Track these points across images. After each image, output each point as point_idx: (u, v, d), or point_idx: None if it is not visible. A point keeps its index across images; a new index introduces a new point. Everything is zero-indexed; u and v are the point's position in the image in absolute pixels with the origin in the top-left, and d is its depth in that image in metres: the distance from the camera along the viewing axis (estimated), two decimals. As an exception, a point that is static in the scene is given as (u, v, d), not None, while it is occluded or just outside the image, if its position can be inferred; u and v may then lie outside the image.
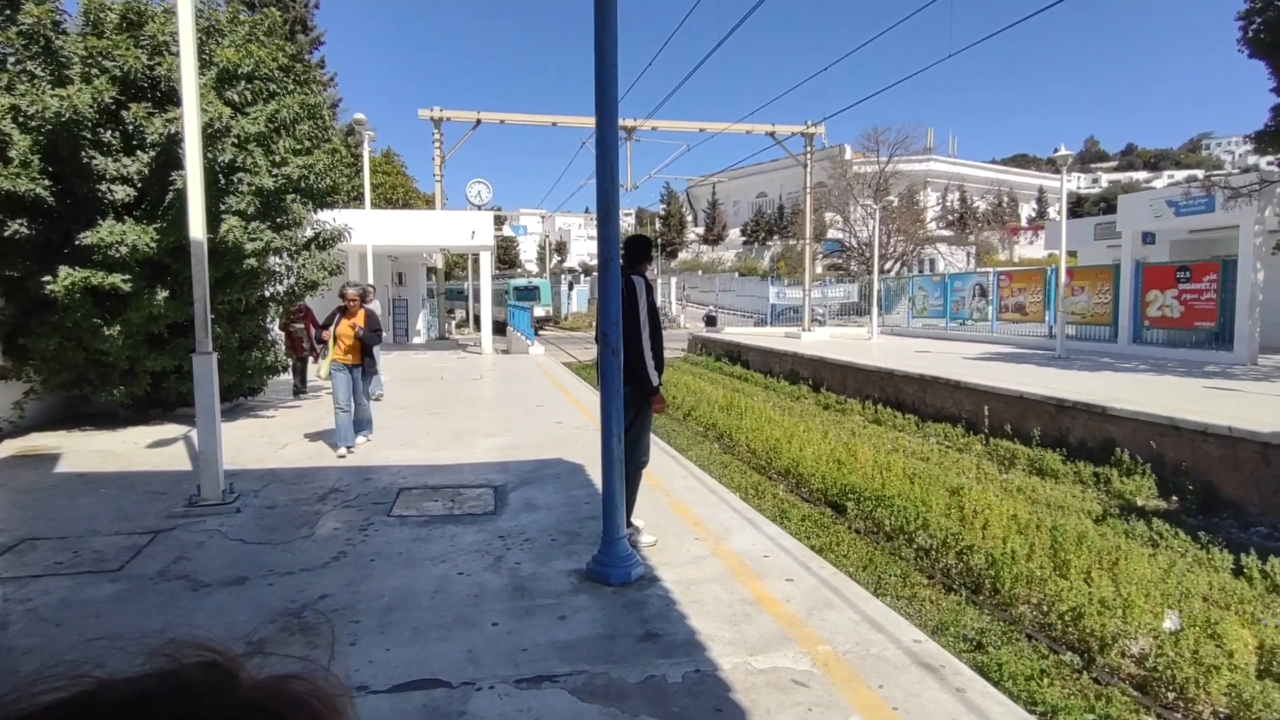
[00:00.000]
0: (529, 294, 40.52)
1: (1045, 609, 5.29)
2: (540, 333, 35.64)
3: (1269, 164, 13.81)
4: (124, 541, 4.89)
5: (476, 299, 30.86)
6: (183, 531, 5.11)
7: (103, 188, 7.61)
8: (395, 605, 3.89)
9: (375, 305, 11.22)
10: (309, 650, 3.39)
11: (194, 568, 4.44)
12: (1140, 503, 8.11)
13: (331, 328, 7.50)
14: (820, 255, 40.28)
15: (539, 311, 39.49)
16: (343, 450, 7.41)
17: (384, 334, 8.14)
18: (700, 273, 54.98)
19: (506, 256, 65.13)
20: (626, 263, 4.74)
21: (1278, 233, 14.28)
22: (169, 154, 7.58)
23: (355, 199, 18.27)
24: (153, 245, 7.66)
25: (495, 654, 3.35)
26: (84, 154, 7.51)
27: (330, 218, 10.26)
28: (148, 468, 7.03)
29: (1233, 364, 13.64)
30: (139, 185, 7.81)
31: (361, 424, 7.90)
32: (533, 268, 64.45)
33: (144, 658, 0.47)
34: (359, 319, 7.46)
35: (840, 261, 41.58)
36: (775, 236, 56.25)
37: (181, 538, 4.99)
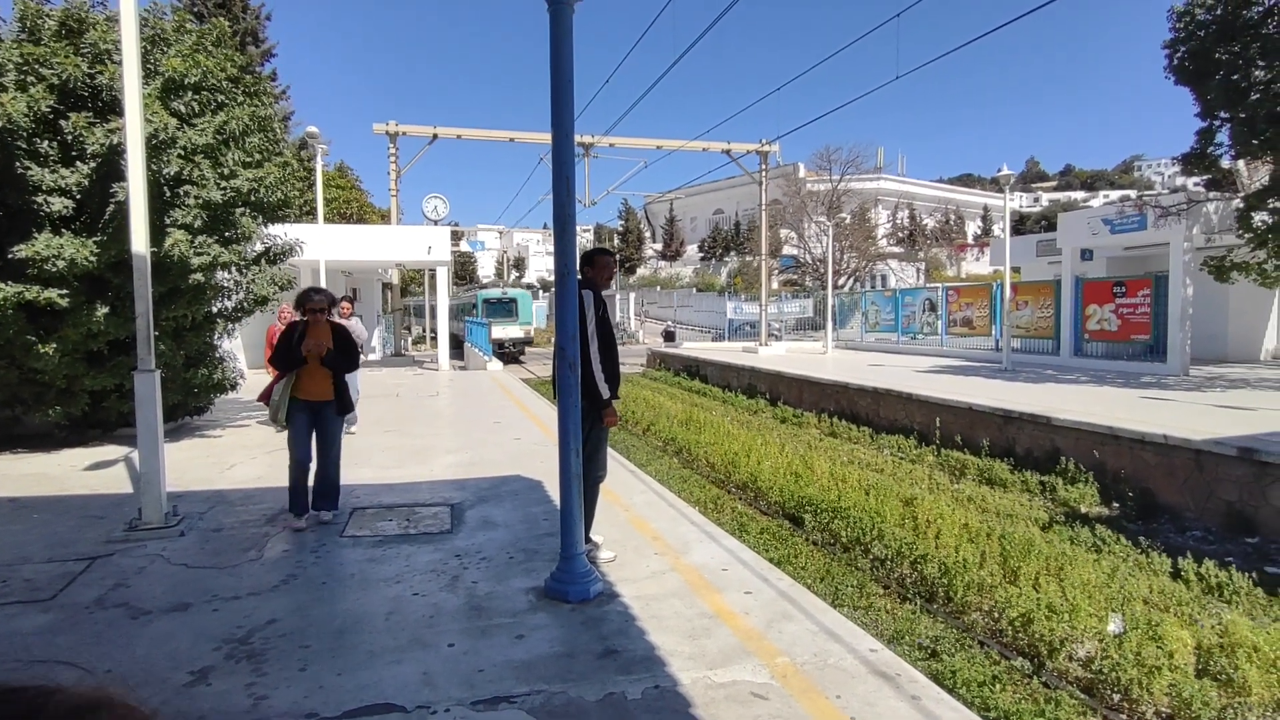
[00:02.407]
0: (503, 308, 31.69)
1: (996, 615, 5.42)
2: (520, 360, 29.67)
3: (1195, 185, 14.55)
4: (58, 569, 4.67)
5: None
6: (122, 557, 4.90)
7: (39, 199, 7.31)
8: (347, 628, 3.79)
9: (356, 322, 9.22)
10: (256, 678, 3.27)
11: (133, 594, 4.26)
12: (1084, 510, 8.38)
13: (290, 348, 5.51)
14: (776, 271, 40.91)
15: (514, 331, 30.98)
16: (300, 524, 5.47)
17: (361, 355, 6.67)
18: (658, 288, 55.31)
19: (464, 272, 64.52)
20: (584, 276, 4.75)
21: (1205, 250, 15.03)
22: (110, 165, 7.34)
23: (308, 213, 17.91)
24: (92, 259, 7.38)
25: (451, 676, 3.28)
26: (19, 164, 7.22)
27: (281, 232, 10.04)
28: (85, 491, 6.73)
29: (1166, 375, 14.25)
30: (78, 197, 7.53)
31: (325, 489, 5.65)
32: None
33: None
34: (325, 336, 5.54)
35: (795, 277, 42.28)
36: (732, 253, 56.97)
37: (120, 563, 4.78)
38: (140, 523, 5.35)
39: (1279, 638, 4.70)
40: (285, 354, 5.51)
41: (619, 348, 4.97)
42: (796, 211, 39.87)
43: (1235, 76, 11.16)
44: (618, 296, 46.57)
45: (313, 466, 5.64)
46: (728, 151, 24.63)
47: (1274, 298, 16.87)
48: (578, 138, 19.66)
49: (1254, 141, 11.23)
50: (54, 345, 7.63)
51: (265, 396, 5.55)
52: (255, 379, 12.38)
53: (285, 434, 5.64)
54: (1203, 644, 4.80)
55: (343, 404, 5.70)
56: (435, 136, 22.79)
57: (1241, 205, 12.25)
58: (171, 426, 9.50)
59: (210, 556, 4.91)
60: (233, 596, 4.22)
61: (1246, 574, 6.05)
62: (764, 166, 25.23)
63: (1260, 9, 11.13)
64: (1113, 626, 5.13)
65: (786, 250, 42.94)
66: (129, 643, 3.64)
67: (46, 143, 7.36)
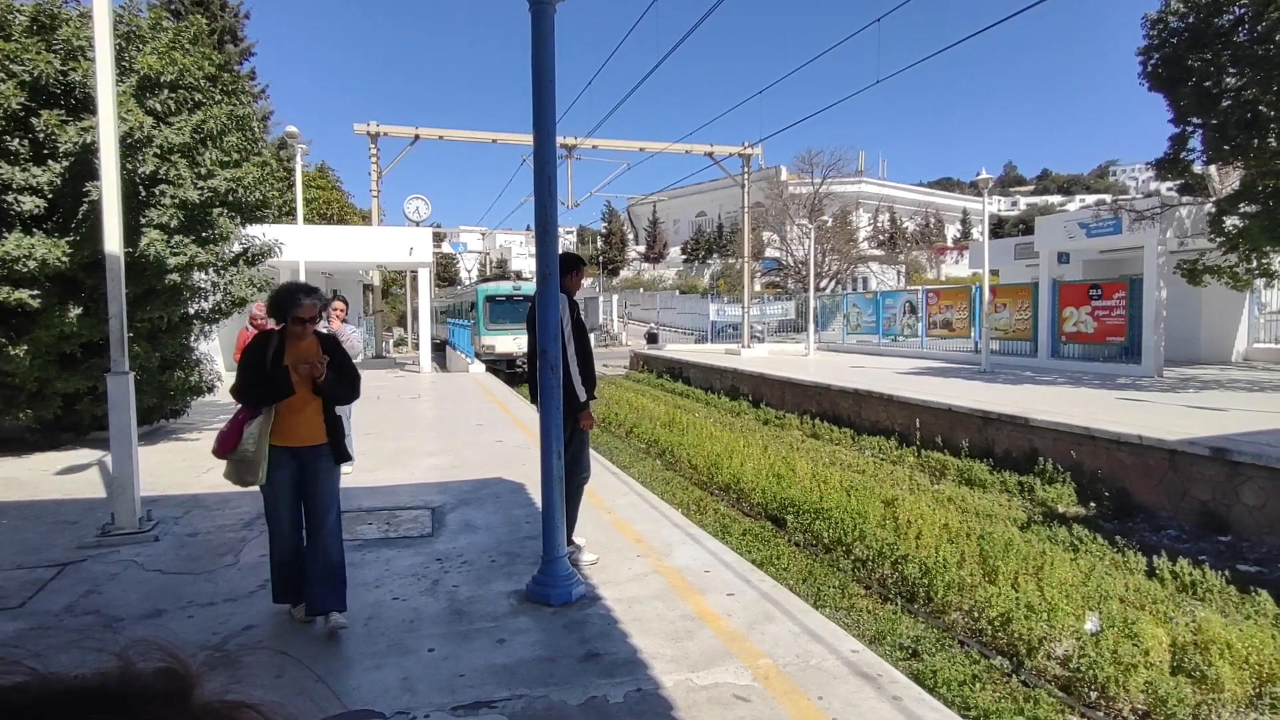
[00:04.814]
0: (514, 310, 22.63)
1: (976, 615, 5.46)
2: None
3: (1168, 189, 14.82)
4: (27, 576, 4.57)
5: (469, 316, 25.28)
6: (94, 563, 4.81)
7: (9, 198, 7.17)
8: (326, 634, 3.74)
9: (349, 330, 6.99)
10: (232, 685, 3.21)
11: (105, 601, 4.18)
12: (1061, 509, 8.48)
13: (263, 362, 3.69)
14: (758, 274, 41.09)
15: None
16: (302, 613, 3.88)
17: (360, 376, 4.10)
18: (641, 290, 55.28)
19: (446, 274, 64.16)
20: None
21: (1178, 253, 15.28)
22: (84, 164, 7.20)
23: (287, 214, 17.71)
24: (65, 260, 7.24)
25: (431, 681, 3.25)
26: (-12, 162, 7.07)
27: (260, 232, 9.91)
28: (57, 496, 6.59)
29: (1141, 376, 14.47)
30: (50, 196, 7.38)
31: (328, 575, 3.75)
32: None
33: (102, 655, 0.45)
34: (314, 352, 3.77)
35: (778, 280, 42.50)
36: (715, 255, 57.10)
37: (93, 570, 4.69)
38: (113, 528, 5.26)
39: (1251, 635, 4.78)
40: (258, 380, 3.65)
41: (601, 349, 4.97)
42: (779, 214, 40.07)
43: (1207, 83, 11.36)
44: (600, 299, 46.53)
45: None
46: (710, 154, 24.69)
47: (1245, 300, 17.18)
48: (560, 139, 19.59)
49: (1225, 147, 11.43)
50: (25, 347, 7.48)
51: (228, 445, 3.65)
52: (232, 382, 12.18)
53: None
54: (1177, 641, 4.87)
55: (339, 448, 3.90)
56: (417, 137, 22.64)
57: (1214, 209, 12.47)
58: (147, 430, 9.35)
59: (186, 562, 4.83)
60: (208, 603, 4.15)
61: (1219, 572, 6.15)
62: (746, 169, 25.33)
63: (1231, 17, 11.34)
64: (1090, 625, 5.19)
65: (769, 253, 43.18)
66: (100, 651, 3.56)
67: (17, 140, 7.22)
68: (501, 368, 20.95)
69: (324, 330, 4.37)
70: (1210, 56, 11.34)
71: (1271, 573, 6.60)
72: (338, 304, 7.13)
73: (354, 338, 6.95)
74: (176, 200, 7.78)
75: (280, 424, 3.72)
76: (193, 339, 9.57)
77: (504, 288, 24.96)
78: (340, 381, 3.84)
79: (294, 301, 3.70)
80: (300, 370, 3.68)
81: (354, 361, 4.10)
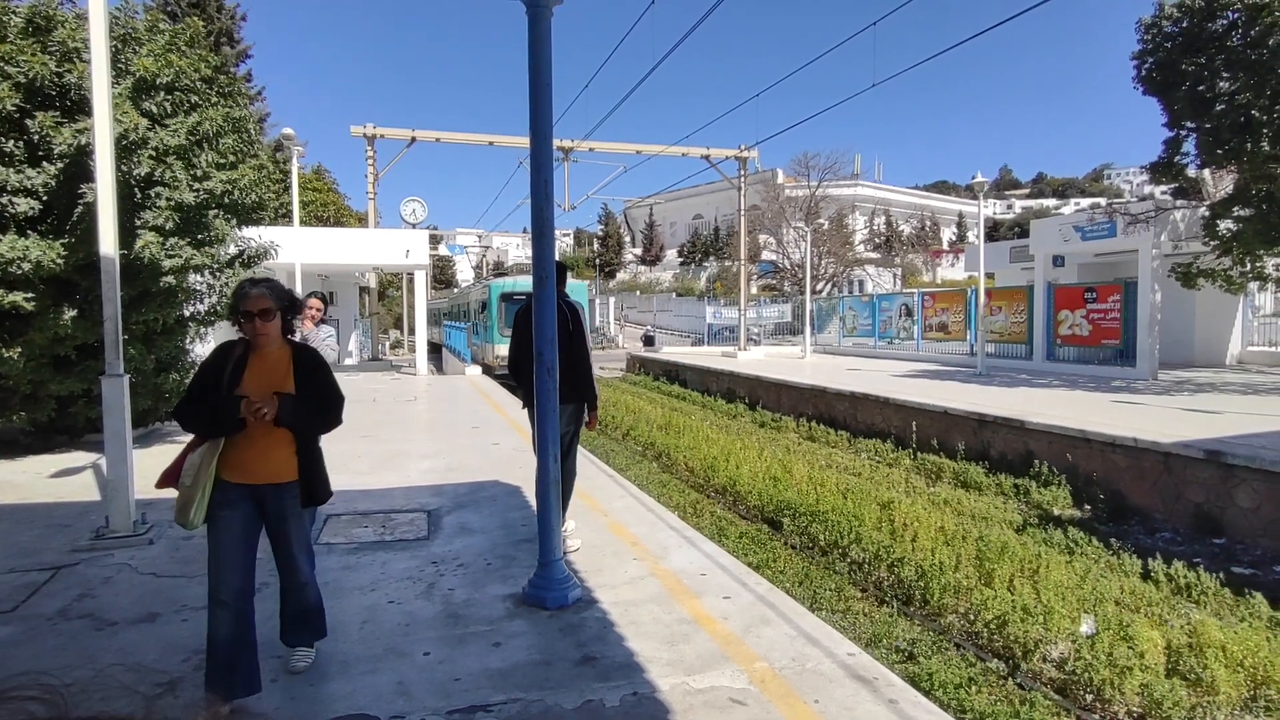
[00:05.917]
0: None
1: (972, 618, 5.46)
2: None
3: (1163, 193, 14.88)
4: (19, 579, 4.54)
5: (467, 318, 24.52)
6: (87, 566, 4.78)
7: (3, 200, 7.14)
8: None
9: (322, 334, 6.08)
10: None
11: (99, 605, 4.16)
12: (1057, 512, 8.50)
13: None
14: (755, 276, 41.12)
15: None
16: (223, 709, 3.00)
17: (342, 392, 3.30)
18: (638, 293, 55.37)
19: (443, 276, 64.12)
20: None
21: (1172, 256, 15.34)
22: (79, 166, 7.19)
23: (284, 216, 17.68)
24: (59, 262, 7.22)
25: (426, 685, 3.24)
26: (-18, 164, 7.05)
27: (256, 235, 9.90)
28: (50, 499, 6.57)
29: (1136, 379, 14.52)
30: (45, 198, 7.36)
31: (304, 615, 3.38)
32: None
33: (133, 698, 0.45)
34: (279, 373, 3.09)
35: (774, 282, 42.58)
36: (711, 257, 57.22)
37: (86, 573, 4.67)
38: (107, 531, 5.23)
39: (1246, 637, 4.79)
40: (195, 405, 3.00)
41: (598, 351, 5.05)
42: (775, 217, 40.16)
43: (1201, 87, 11.42)
44: (597, 301, 46.55)
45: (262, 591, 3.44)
46: (707, 157, 24.76)
47: (1238, 303, 17.27)
48: (557, 142, 19.58)
49: (1219, 151, 11.49)
50: (19, 349, 7.44)
51: (172, 476, 3.05)
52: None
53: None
54: (1172, 644, 4.87)
55: (313, 487, 3.20)
56: (414, 139, 22.66)
57: (1208, 213, 12.53)
58: (141, 432, 9.31)
59: (180, 565, 4.81)
60: (202, 606, 4.11)
61: (1214, 575, 6.17)
62: (743, 172, 25.39)
63: (1225, 22, 11.41)
64: (1085, 628, 5.20)
65: (765, 255, 43.25)
66: (93, 655, 3.55)
67: (12, 142, 7.19)
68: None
69: (323, 336, 3.70)
70: (1204, 61, 11.40)
71: (1266, 575, 6.62)
72: (314, 301, 6.15)
73: (326, 344, 5.90)
74: (172, 202, 7.77)
75: (233, 455, 3.01)
76: (188, 341, 9.54)
77: (524, 284, 20.35)
78: (306, 411, 3.05)
79: (241, 294, 3.00)
80: (246, 410, 2.90)
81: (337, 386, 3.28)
